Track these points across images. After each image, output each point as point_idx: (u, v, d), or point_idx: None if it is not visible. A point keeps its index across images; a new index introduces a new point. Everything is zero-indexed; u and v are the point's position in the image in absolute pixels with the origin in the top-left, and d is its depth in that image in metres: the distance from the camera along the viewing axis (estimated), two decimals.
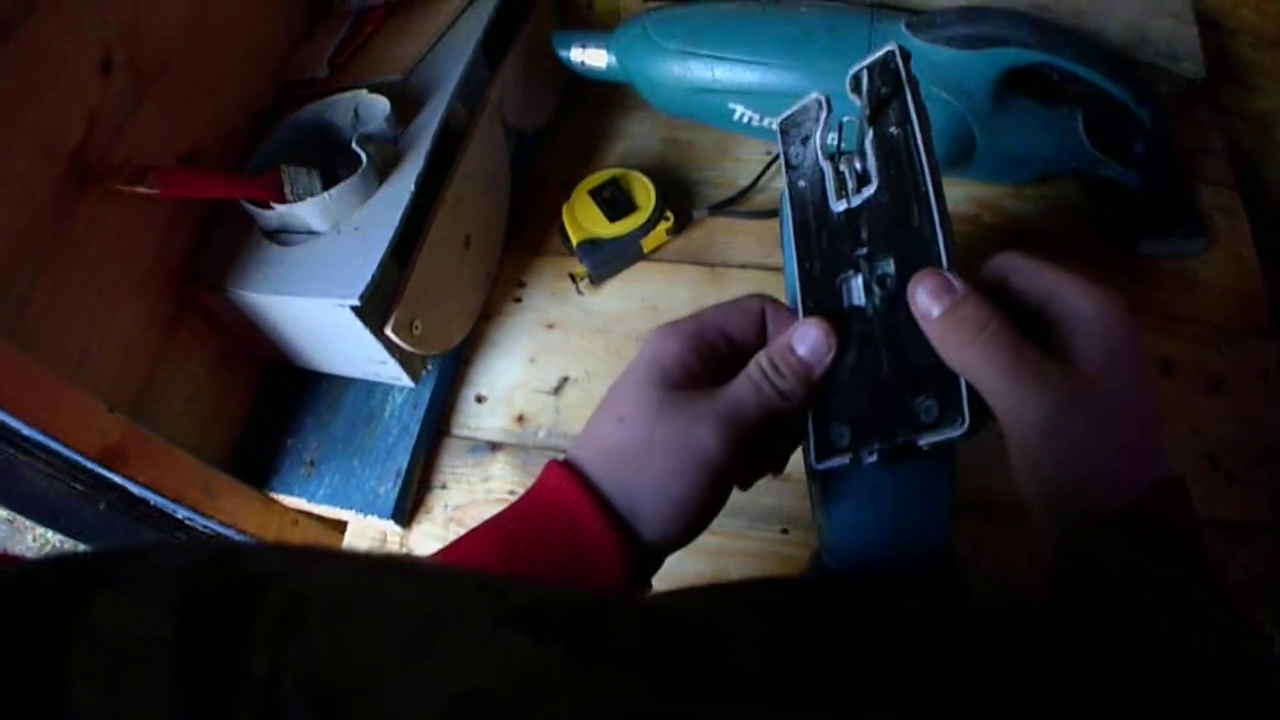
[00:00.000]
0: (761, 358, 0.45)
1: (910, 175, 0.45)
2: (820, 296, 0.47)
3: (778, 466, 0.53)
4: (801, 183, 0.50)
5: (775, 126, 0.53)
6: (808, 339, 0.45)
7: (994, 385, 0.40)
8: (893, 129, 0.47)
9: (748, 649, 0.28)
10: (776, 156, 0.51)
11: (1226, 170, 0.86)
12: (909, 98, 0.46)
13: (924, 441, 0.42)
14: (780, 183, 0.52)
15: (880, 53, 0.48)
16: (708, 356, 0.47)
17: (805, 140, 0.51)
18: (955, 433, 0.41)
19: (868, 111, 0.48)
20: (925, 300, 0.41)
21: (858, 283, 0.46)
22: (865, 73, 0.49)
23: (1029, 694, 0.32)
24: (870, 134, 0.48)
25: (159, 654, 0.20)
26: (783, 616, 0.36)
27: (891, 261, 0.45)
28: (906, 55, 0.47)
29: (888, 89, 0.48)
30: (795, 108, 0.52)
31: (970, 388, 0.41)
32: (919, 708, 0.29)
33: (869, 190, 0.47)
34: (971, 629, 0.37)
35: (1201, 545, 0.41)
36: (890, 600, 0.41)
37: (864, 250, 0.46)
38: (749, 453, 0.45)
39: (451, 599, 0.25)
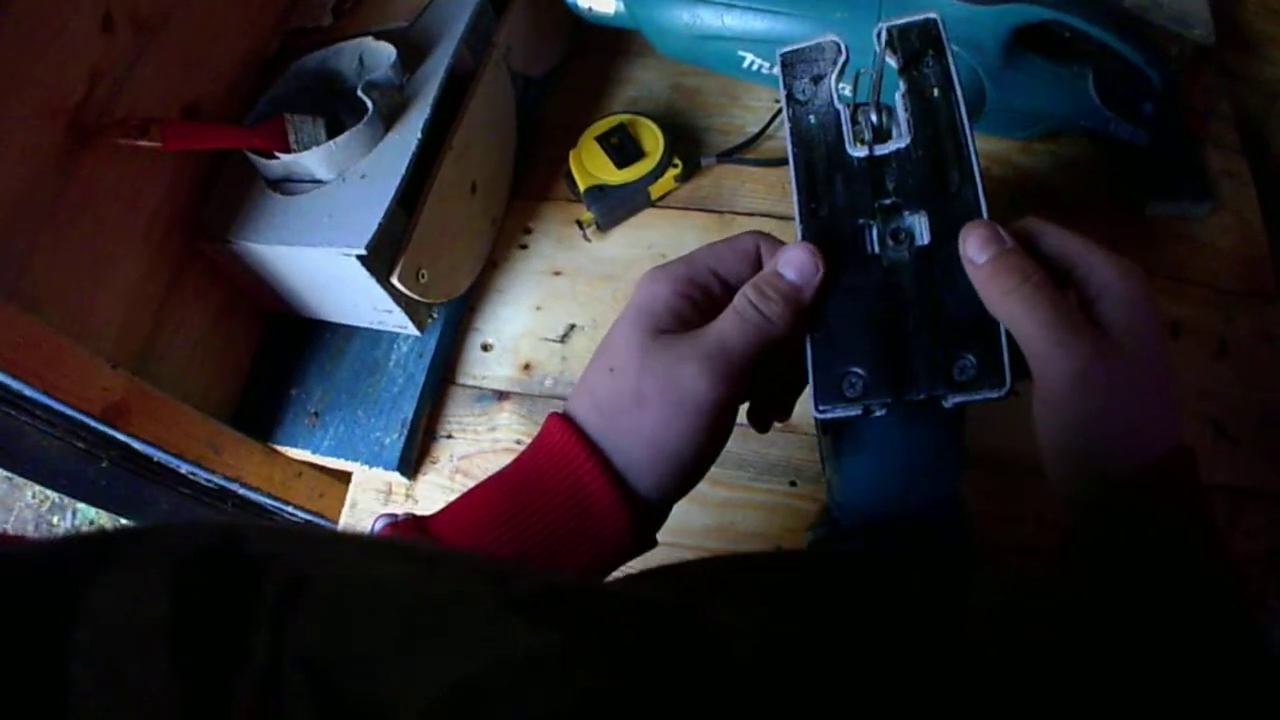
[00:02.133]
0: (747, 287, 0.44)
1: (951, 139, 0.46)
2: (830, 239, 0.46)
3: (783, 411, 0.52)
4: (810, 120, 0.50)
5: (777, 57, 0.53)
6: (794, 261, 0.44)
7: (1033, 333, 0.41)
8: (934, 92, 0.47)
9: (743, 641, 0.28)
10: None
11: (1233, 135, 0.85)
12: (953, 66, 0.47)
13: (956, 400, 0.42)
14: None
15: (919, 17, 0.49)
16: (699, 298, 0.45)
17: (817, 80, 0.51)
18: (994, 394, 0.41)
19: (898, 69, 0.48)
20: (974, 247, 0.42)
21: (874, 232, 0.46)
22: (899, 31, 0.49)
23: (1024, 697, 0.32)
24: (901, 90, 0.48)
25: (158, 636, 0.20)
26: (781, 605, 0.37)
27: (923, 216, 0.45)
28: (945, 23, 0.49)
29: (926, 52, 0.48)
30: (804, 44, 0.51)
31: (1009, 349, 0.42)
32: (911, 703, 0.29)
33: (897, 143, 0.47)
34: (971, 629, 0.37)
35: (1211, 514, 0.43)
36: (893, 582, 0.42)
37: (887, 201, 0.46)
38: (748, 389, 0.45)
39: (452, 584, 0.25)
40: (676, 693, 0.23)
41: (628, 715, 0.22)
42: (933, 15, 0.49)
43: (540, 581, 0.27)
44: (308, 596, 0.22)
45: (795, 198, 0.48)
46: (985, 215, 0.44)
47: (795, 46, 0.52)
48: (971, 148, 0.46)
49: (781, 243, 0.47)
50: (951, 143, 0.46)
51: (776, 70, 0.52)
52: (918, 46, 0.49)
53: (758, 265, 0.47)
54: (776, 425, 0.54)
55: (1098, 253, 0.43)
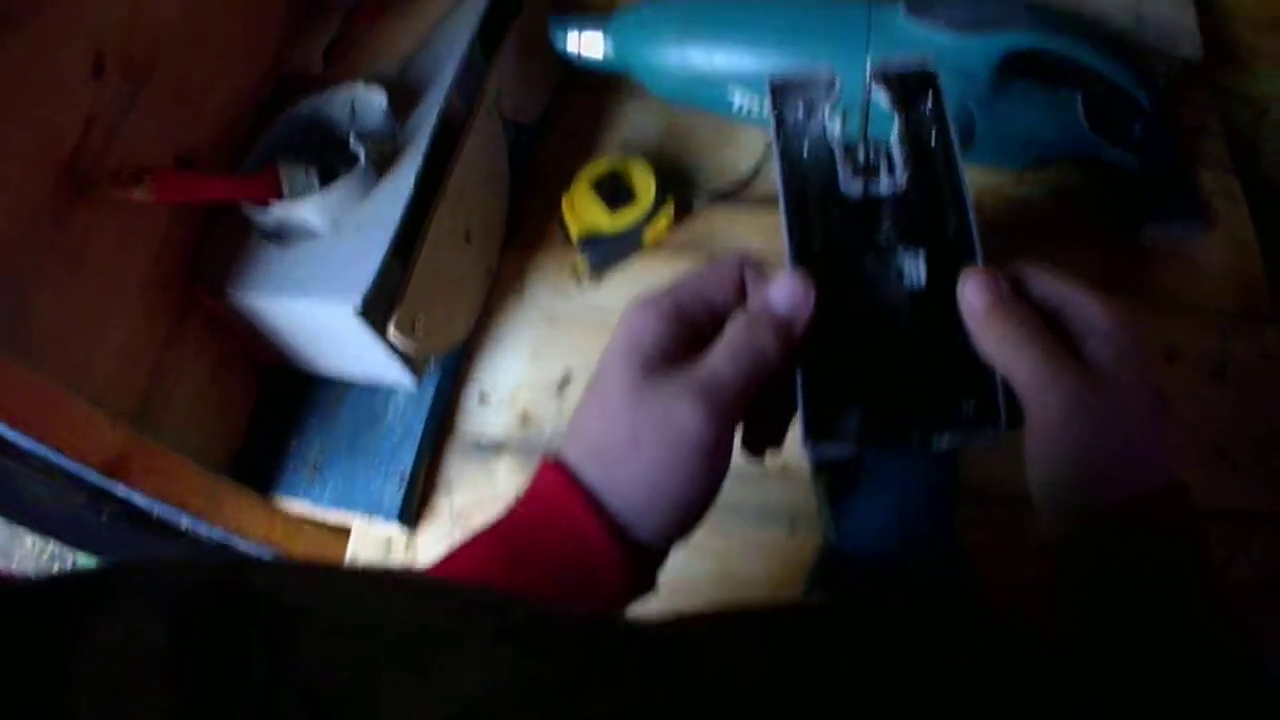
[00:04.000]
0: (739, 320, 0.43)
1: (947, 183, 0.47)
2: (823, 274, 0.46)
3: (776, 438, 0.51)
4: (802, 150, 0.50)
5: (767, 82, 0.52)
6: (784, 290, 0.44)
7: (1024, 371, 0.42)
8: (931, 138, 0.49)
9: (744, 670, 0.28)
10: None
11: (1224, 152, 0.86)
12: (946, 112, 0.49)
13: (950, 442, 0.42)
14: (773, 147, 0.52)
15: (913, 62, 0.50)
16: (686, 328, 0.44)
17: (809, 109, 0.51)
18: (989, 433, 0.42)
19: (895, 112, 0.50)
20: (972, 292, 0.43)
21: (868, 270, 0.46)
22: (896, 77, 0.50)
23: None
24: (898, 133, 0.49)
25: (156, 668, 0.20)
26: (781, 639, 0.36)
27: (919, 257, 0.46)
28: (938, 73, 0.50)
29: (922, 97, 0.50)
30: (795, 72, 0.51)
31: (1004, 391, 0.43)
32: None
33: (893, 184, 0.48)
34: (974, 673, 0.37)
35: (1206, 548, 0.43)
36: (894, 624, 0.41)
37: (882, 240, 0.46)
38: (745, 417, 0.44)
39: (450, 614, 0.25)
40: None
41: None
42: (928, 61, 0.50)
43: (537, 612, 0.27)
44: (305, 628, 0.22)
45: (785, 226, 0.47)
46: (979, 258, 0.45)
47: (786, 73, 0.52)
48: (966, 192, 0.47)
49: (765, 266, 0.47)
50: (948, 187, 0.47)
51: (766, 110, 0.52)
52: (913, 90, 0.50)
53: (742, 288, 0.46)
54: (773, 468, 0.54)
55: (1086, 294, 0.44)
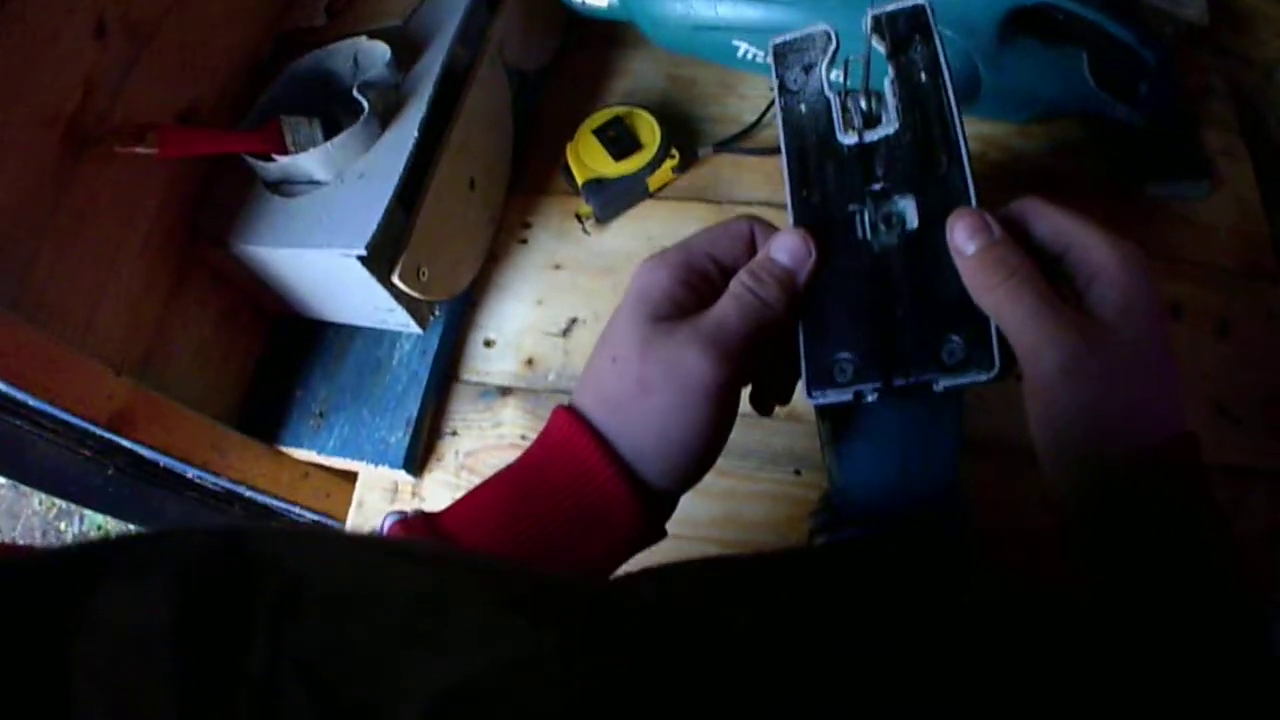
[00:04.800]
0: (743, 273, 0.45)
1: (939, 123, 0.46)
2: (821, 225, 0.46)
3: (783, 395, 0.52)
4: (802, 108, 0.50)
5: (769, 47, 0.53)
6: (787, 245, 0.45)
7: (1018, 325, 0.40)
8: (921, 77, 0.47)
9: (739, 641, 0.28)
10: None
11: (1229, 113, 0.85)
12: (941, 51, 0.48)
13: (945, 384, 0.42)
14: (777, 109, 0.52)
15: (908, 3, 0.49)
16: (697, 284, 0.46)
17: (808, 69, 0.51)
18: (982, 376, 0.41)
19: (887, 55, 0.49)
20: (961, 237, 0.42)
21: (864, 218, 0.46)
22: (887, 18, 0.49)
23: (1021, 689, 0.32)
24: (890, 76, 0.48)
25: (158, 644, 0.20)
26: (777, 604, 0.37)
27: (911, 201, 0.45)
28: (933, 9, 0.49)
29: (914, 38, 0.48)
30: (795, 34, 0.52)
31: (998, 332, 0.42)
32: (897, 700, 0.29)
33: (886, 129, 0.47)
34: (967, 623, 0.37)
35: (1213, 501, 0.41)
36: (889, 580, 0.42)
37: (877, 186, 0.46)
38: (749, 372, 0.45)
39: (452, 584, 0.25)
40: (674, 690, 0.24)
41: (626, 713, 0.22)
42: (920, 1, 0.49)
43: (539, 581, 0.27)
44: (308, 598, 0.22)
45: (787, 186, 0.48)
46: (973, 198, 0.44)
47: (786, 37, 0.52)
48: (960, 131, 0.46)
49: (774, 227, 0.48)
50: (939, 126, 0.46)
51: (770, 59, 0.52)
52: (906, 31, 0.49)
53: (752, 248, 0.47)
54: (780, 414, 0.54)
55: (1095, 234, 0.42)
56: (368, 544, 0.29)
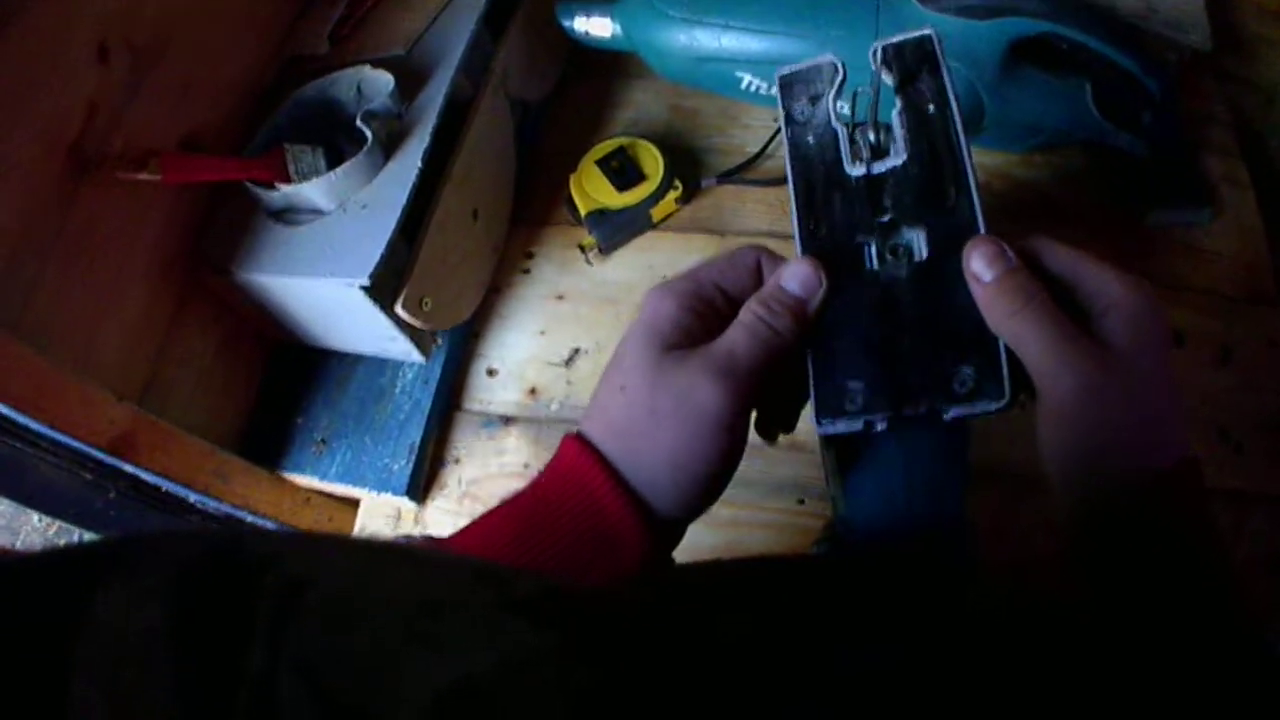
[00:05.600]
0: (753, 302, 0.45)
1: (948, 154, 0.46)
2: (830, 256, 0.47)
3: (788, 423, 0.52)
4: (809, 139, 0.50)
5: (776, 78, 0.53)
6: (798, 275, 0.45)
7: (1037, 350, 0.41)
8: (930, 108, 0.48)
9: (745, 645, 0.28)
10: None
11: (1232, 139, 0.85)
12: (948, 81, 0.48)
13: (955, 413, 0.42)
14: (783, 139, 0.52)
15: (914, 34, 0.49)
16: (705, 313, 0.46)
17: (815, 99, 0.51)
18: (993, 406, 0.42)
19: (894, 86, 0.49)
20: (979, 264, 0.43)
21: (873, 248, 0.46)
22: (894, 49, 0.49)
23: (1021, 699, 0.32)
24: (898, 107, 0.48)
25: (157, 646, 0.20)
26: (778, 611, 0.37)
27: (920, 232, 0.45)
28: (941, 40, 0.49)
29: (922, 69, 0.49)
30: (802, 65, 0.52)
31: (1009, 362, 0.42)
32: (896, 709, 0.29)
33: (894, 161, 0.47)
34: (962, 634, 0.37)
35: (1215, 525, 0.43)
36: (890, 593, 0.42)
37: (885, 218, 0.46)
38: (758, 402, 0.45)
39: (451, 586, 0.25)
40: (673, 693, 0.24)
41: (624, 714, 0.22)
42: (928, 31, 0.49)
43: (539, 584, 0.27)
44: (308, 600, 0.22)
45: (795, 217, 0.48)
46: (982, 228, 0.44)
47: (793, 67, 0.52)
48: (968, 162, 0.46)
49: (781, 257, 0.48)
50: (948, 157, 0.46)
51: (774, 90, 0.52)
52: (913, 63, 0.49)
53: (759, 278, 0.47)
54: (783, 443, 0.54)
55: (1105, 269, 0.43)
56: (366, 547, 0.29)
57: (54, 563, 0.24)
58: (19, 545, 1.82)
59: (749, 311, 0.44)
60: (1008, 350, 0.42)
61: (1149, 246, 0.79)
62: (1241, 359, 0.73)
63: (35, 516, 1.82)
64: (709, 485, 0.44)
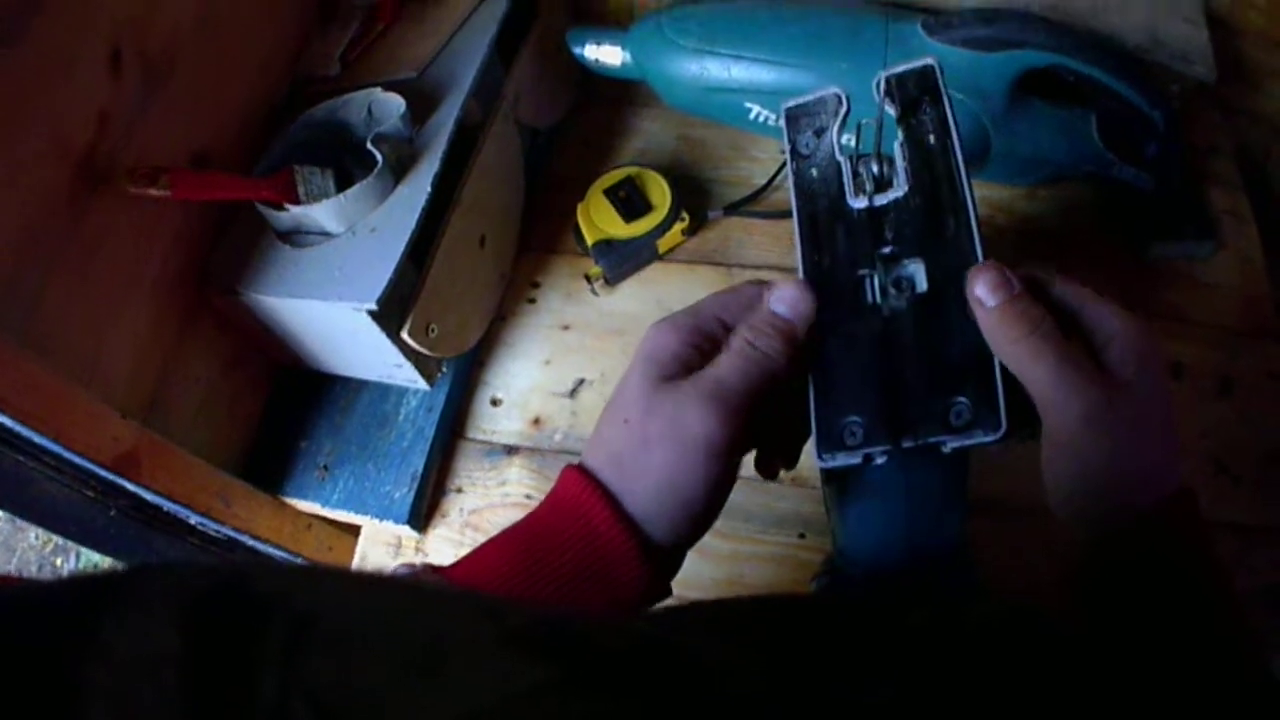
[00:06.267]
0: (741, 327, 0.45)
1: (948, 185, 0.47)
2: (832, 289, 0.47)
3: (789, 459, 0.53)
4: (813, 172, 0.51)
5: (781, 112, 0.53)
6: (785, 297, 0.45)
7: (1042, 377, 0.42)
8: (930, 139, 0.48)
9: (742, 678, 0.28)
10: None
11: (1234, 171, 0.86)
12: (949, 112, 0.48)
13: (953, 445, 0.42)
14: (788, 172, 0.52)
15: (916, 64, 0.50)
16: (704, 346, 0.46)
17: (819, 132, 0.51)
18: (989, 437, 0.42)
19: (896, 117, 0.49)
20: (983, 290, 0.43)
21: (874, 281, 0.46)
22: (896, 80, 0.50)
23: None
24: (900, 139, 0.49)
25: (168, 677, 0.20)
26: (780, 645, 0.37)
27: (921, 265, 0.46)
28: (942, 70, 0.49)
29: (923, 99, 0.49)
30: (807, 98, 0.53)
31: (1006, 393, 0.42)
32: None
33: (896, 193, 0.48)
34: (967, 652, 0.37)
35: (1214, 554, 0.44)
36: (894, 623, 0.41)
37: (887, 250, 0.47)
38: (754, 437, 0.46)
39: (454, 620, 0.26)
40: None
41: None
42: (930, 61, 0.50)
43: (539, 616, 0.27)
44: (315, 634, 0.22)
45: (798, 250, 0.49)
46: (980, 258, 0.44)
47: (798, 100, 0.53)
48: (968, 192, 0.46)
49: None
50: (948, 188, 0.47)
51: (782, 122, 0.52)
52: (915, 94, 0.49)
53: None
54: (784, 478, 0.54)
55: (1105, 303, 0.44)
56: (373, 581, 0.29)
57: (62, 590, 0.24)
58: (15, 562, 1.82)
59: (738, 337, 0.45)
60: (1005, 382, 0.42)
61: (1150, 278, 0.80)
62: (1241, 392, 0.73)
63: (33, 534, 1.82)
64: (697, 510, 0.45)
